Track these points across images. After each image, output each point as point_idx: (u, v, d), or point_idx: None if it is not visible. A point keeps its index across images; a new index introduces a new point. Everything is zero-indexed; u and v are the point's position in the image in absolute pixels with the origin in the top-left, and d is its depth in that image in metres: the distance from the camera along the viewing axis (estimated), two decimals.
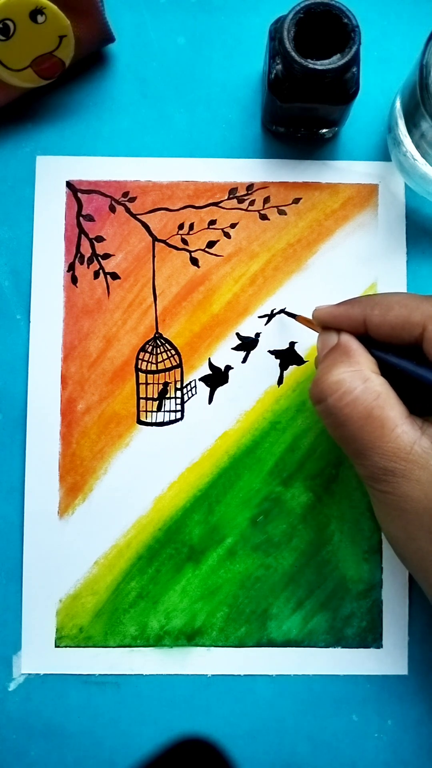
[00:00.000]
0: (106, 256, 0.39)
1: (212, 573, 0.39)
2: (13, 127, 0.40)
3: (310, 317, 0.36)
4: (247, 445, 0.39)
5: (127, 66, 0.40)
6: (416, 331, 0.32)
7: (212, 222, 0.39)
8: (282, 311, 0.39)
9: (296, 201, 0.40)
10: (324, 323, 0.34)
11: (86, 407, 0.39)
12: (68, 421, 0.39)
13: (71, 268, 0.39)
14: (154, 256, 0.39)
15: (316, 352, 0.35)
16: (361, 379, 0.31)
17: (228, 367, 0.39)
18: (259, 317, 0.39)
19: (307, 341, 0.39)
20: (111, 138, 0.40)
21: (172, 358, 0.39)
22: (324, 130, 0.39)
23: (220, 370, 0.39)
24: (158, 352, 0.39)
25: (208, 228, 0.39)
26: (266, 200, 0.39)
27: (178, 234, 0.39)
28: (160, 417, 0.39)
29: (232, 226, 0.39)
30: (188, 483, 0.39)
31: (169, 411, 0.39)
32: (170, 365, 0.39)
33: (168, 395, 0.39)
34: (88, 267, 0.39)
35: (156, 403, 0.39)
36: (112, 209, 0.39)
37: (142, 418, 0.39)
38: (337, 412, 0.31)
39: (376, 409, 0.31)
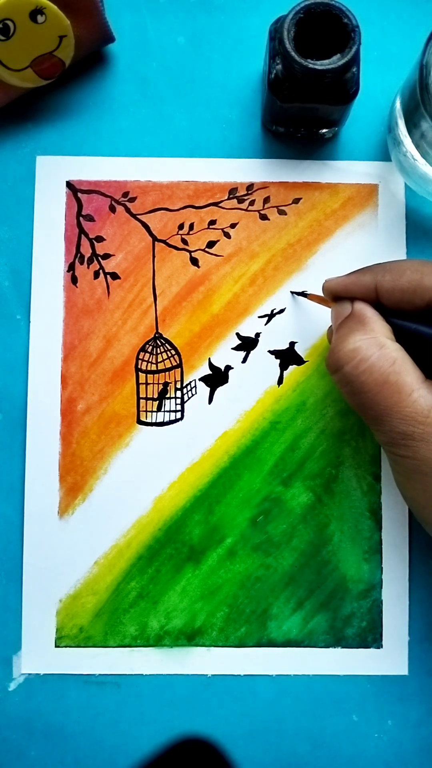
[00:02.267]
0: (106, 256, 0.39)
1: (212, 573, 0.39)
2: (13, 127, 0.40)
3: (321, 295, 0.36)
4: (247, 445, 0.39)
5: (127, 66, 0.40)
6: (428, 295, 0.32)
7: (212, 222, 0.39)
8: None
9: (296, 201, 0.40)
10: (335, 293, 0.35)
11: (86, 407, 0.39)
12: (68, 421, 0.39)
13: (71, 268, 0.39)
14: (154, 256, 0.39)
15: (331, 323, 0.35)
16: (376, 346, 0.32)
17: (228, 367, 0.39)
18: (259, 317, 0.39)
19: (307, 341, 0.39)
20: (111, 138, 0.40)
21: (172, 358, 0.39)
22: (324, 130, 0.39)
23: (220, 370, 0.39)
24: (158, 352, 0.39)
25: (208, 228, 0.39)
26: (266, 200, 0.39)
27: (178, 234, 0.39)
28: (160, 417, 0.39)
29: (232, 226, 0.39)
30: (188, 483, 0.39)
31: (169, 411, 0.39)
32: (170, 365, 0.39)
33: (168, 395, 0.39)
34: (88, 267, 0.39)
35: (156, 403, 0.39)
36: (112, 209, 0.39)
37: (142, 418, 0.39)
38: (353, 379, 0.32)
39: (392, 374, 0.31)
